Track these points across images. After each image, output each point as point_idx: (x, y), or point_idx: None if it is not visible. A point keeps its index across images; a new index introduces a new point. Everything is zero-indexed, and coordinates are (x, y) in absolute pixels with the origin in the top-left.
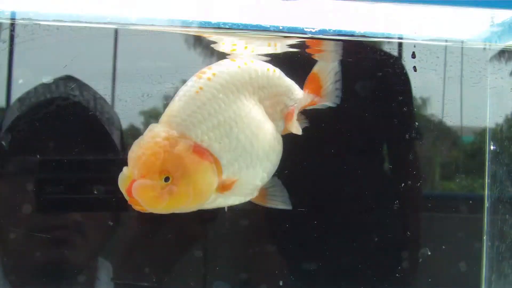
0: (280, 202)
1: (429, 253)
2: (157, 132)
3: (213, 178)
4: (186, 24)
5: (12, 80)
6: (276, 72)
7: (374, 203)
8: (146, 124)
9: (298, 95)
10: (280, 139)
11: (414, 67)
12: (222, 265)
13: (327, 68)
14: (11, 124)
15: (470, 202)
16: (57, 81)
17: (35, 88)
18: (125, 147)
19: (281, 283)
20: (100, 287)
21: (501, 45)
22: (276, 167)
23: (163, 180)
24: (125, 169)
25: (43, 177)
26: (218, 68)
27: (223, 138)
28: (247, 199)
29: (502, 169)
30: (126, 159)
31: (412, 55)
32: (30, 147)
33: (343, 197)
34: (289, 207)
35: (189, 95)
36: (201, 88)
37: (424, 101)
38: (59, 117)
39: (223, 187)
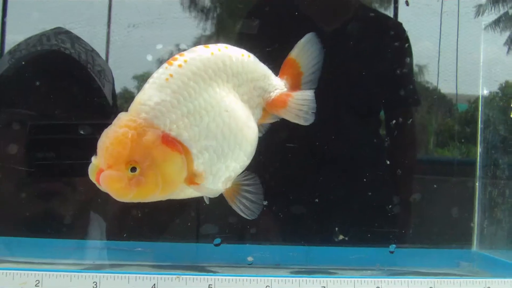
0: (252, 197)
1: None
2: (124, 121)
3: (182, 168)
4: None
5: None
6: (251, 58)
7: (369, 157)
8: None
9: (275, 81)
10: (255, 128)
11: (406, 1)
12: (210, 209)
13: (307, 53)
14: (1, 76)
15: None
16: (48, 33)
17: (26, 41)
18: (116, 99)
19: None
20: (91, 240)
21: None
22: (251, 157)
23: (130, 170)
24: (93, 158)
25: (32, 130)
26: (190, 55)
27: (192, 127)
28: (220, 190)
29: (494, 112)
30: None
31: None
32: (20, 99)
33: (339, 151)
34: (256, 213)
35: (158, 82)
36: (171, 76)
37: (421, 68)
38: (49, 69)
39: (192, 180)
